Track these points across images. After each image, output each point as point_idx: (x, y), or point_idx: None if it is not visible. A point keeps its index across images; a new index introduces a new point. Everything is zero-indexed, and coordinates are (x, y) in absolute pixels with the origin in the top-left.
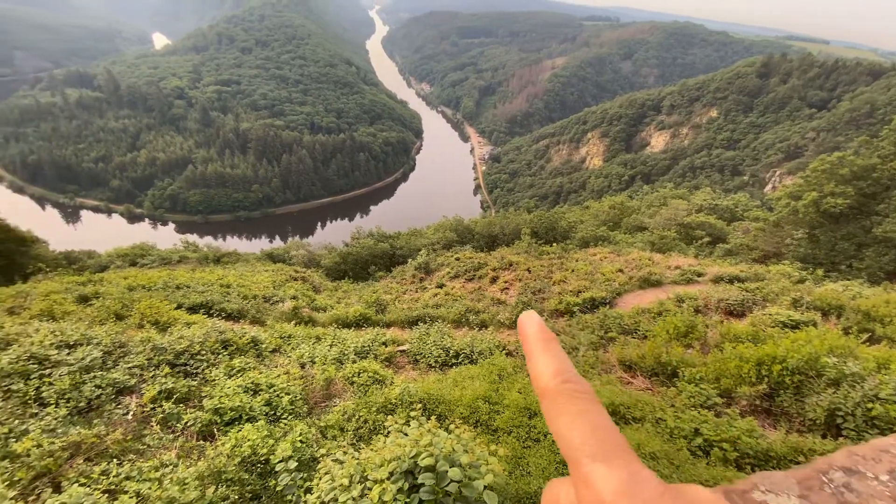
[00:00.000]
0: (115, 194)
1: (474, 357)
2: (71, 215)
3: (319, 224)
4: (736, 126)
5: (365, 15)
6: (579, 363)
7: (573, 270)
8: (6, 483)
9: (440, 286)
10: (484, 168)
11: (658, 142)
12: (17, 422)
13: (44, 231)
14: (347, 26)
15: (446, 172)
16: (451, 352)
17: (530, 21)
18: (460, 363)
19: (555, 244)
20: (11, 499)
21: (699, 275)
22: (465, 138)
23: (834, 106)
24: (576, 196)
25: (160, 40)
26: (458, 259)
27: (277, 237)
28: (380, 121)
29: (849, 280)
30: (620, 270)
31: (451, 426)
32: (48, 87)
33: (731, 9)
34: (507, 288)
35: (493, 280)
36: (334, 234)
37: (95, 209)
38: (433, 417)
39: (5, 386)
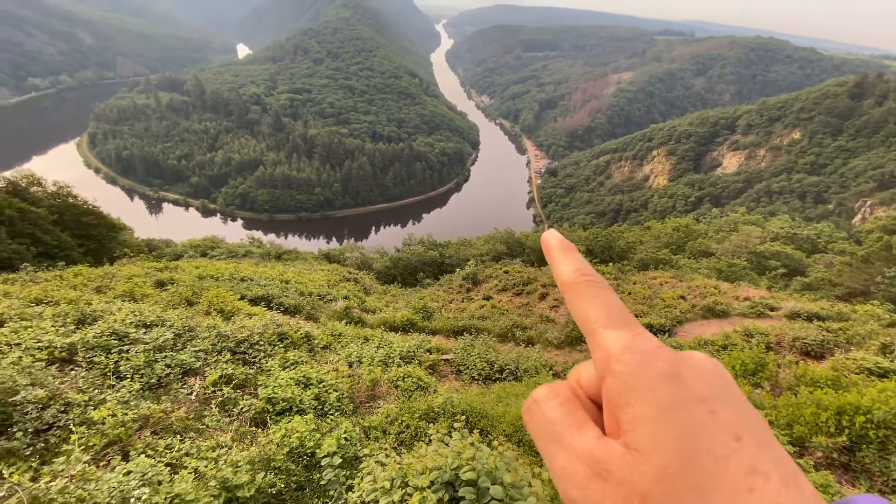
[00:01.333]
0: (194, 190)
1: (519, 374)
2: (154, 206)
3: (374, 228)
4: (822, 150)
5: (432, 28)
6: None
7: (630, 293)
8: (82, 447)
9: (487, 298)
10: (539, 182)
11: (731, 163)
12: (96, 391)
13: (130, 219)
14: (414, 39)
15: (500, 184)
16: (496, 366)
17: (598, 35)
18: (504, 379)
19: (611, 264)
20: (85, 462)
21: (772, 309)
22: (521, 151)
23: None
24: (636, 215)
25: (243, 50)
26: (506, 272)
27: (334, 238)
28: (438, 131)
29: None
30: (682, 297)
31: (495, 442)
32: (144, 90)
33: (821, 24)
34: (556, 306)
35: (543, 297)
36: (387, 239)
37: (175, 202)
38: (476, 431)
39: (90, 357)
